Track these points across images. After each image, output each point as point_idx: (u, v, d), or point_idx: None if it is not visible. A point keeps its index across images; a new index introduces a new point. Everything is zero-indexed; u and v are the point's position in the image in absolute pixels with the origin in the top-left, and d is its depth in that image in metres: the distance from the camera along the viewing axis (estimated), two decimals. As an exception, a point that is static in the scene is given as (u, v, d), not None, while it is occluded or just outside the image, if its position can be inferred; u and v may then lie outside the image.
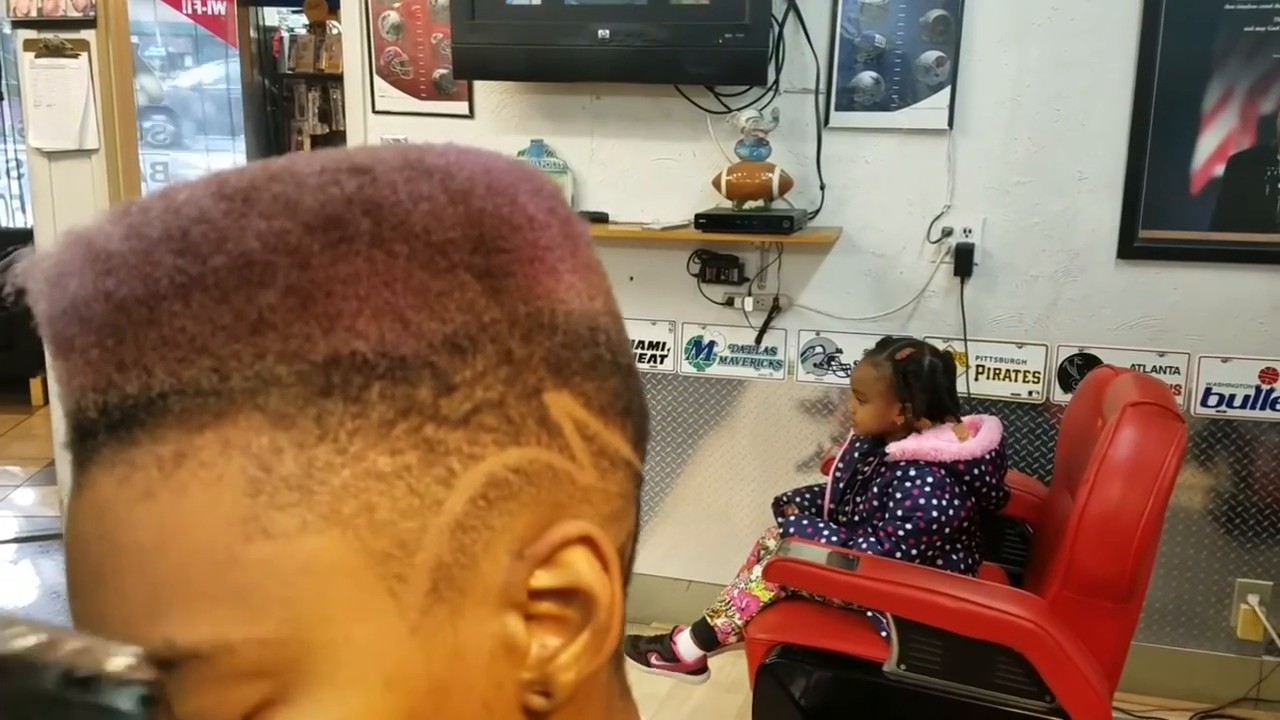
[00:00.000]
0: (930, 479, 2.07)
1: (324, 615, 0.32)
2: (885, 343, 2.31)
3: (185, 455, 0.32)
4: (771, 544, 2.30)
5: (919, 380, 2.19)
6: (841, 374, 2.81)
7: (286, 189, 0.34)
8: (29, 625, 0.27)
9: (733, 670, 2.48)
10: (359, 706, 0.33)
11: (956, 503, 2.07)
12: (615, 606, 0.37)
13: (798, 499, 2.38)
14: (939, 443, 2.10)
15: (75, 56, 3.22)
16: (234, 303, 0.32)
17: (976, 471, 2.10)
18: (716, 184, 2.67)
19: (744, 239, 2.73)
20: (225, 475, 0.32)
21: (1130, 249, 2.58)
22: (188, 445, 0.32)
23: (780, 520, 2.30)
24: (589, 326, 0.38)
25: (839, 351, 2.81)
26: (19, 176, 6.05)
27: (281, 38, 5.86)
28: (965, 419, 2.22)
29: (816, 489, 2.41)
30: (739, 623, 2.22)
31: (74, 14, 3.20)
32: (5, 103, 6.04)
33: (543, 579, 0.36)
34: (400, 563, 0.33)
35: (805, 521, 2.21)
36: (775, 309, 2.83)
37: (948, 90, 2.60)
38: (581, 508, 0.37)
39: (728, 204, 2.68)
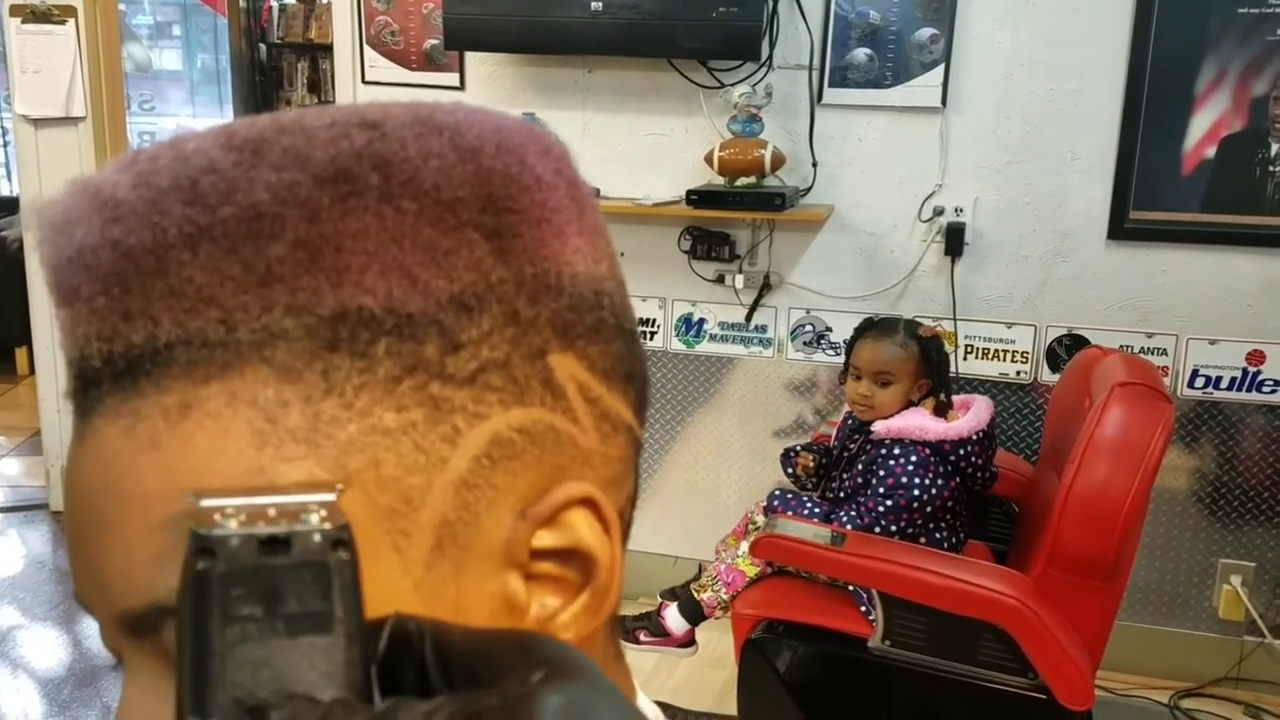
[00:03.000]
0: (914, 458, 2.08)
1: None
2: (886, 323, 2.27)
3: (191, 406, 0.32)
4: (760, 519, 2.31)
5: (941, 357, 2.20)
6: (831, 352, 2.81)
7: (296, 141, 0.33)
8: (233, 507, 0.28)
9: (718, 645, 2.49)
10: None
11: (940, 482, 2.08)
12: (615, 568, 0.37)
13: (814, 448, 2.35)
14: (924, 421, 2.11)
15: (62, 23, 3.18)
16: (242, 254, 0.32)
17: (962, 452, 2.10)
18: (708, 160, 2.66)
19: (735, 216, 2.73)
20: (231, 427, 0.32)
21: (1121, 230, 2.58)
22: (193, 396, 0.32)
23: (774, 491, 2.28)
24: (594, 290, 0.38)
25: (828, 330, 2.82)
26: (5, 144, 6.00)
27: (270, 7, 5.80)
28: (956, 399, 2.22)
29: (828, 445, 2.38)
30: (725, 597, 2.23)
31: (61, -21, 3.16)
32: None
33: (544, 539, 0.36)
34: (405, 518, 0.33)
35: (789, 495, 2.22)
36: (766, 286, 2.83)
37: (941, 68, 2.60)
38: (583, 470, 0.37)
39: (719, 180, 2.67)
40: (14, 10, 3.20)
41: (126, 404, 0.33)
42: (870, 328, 2.26)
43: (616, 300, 0.39)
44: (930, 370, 2.18)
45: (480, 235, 0.35)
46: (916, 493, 2.05)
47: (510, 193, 0.36)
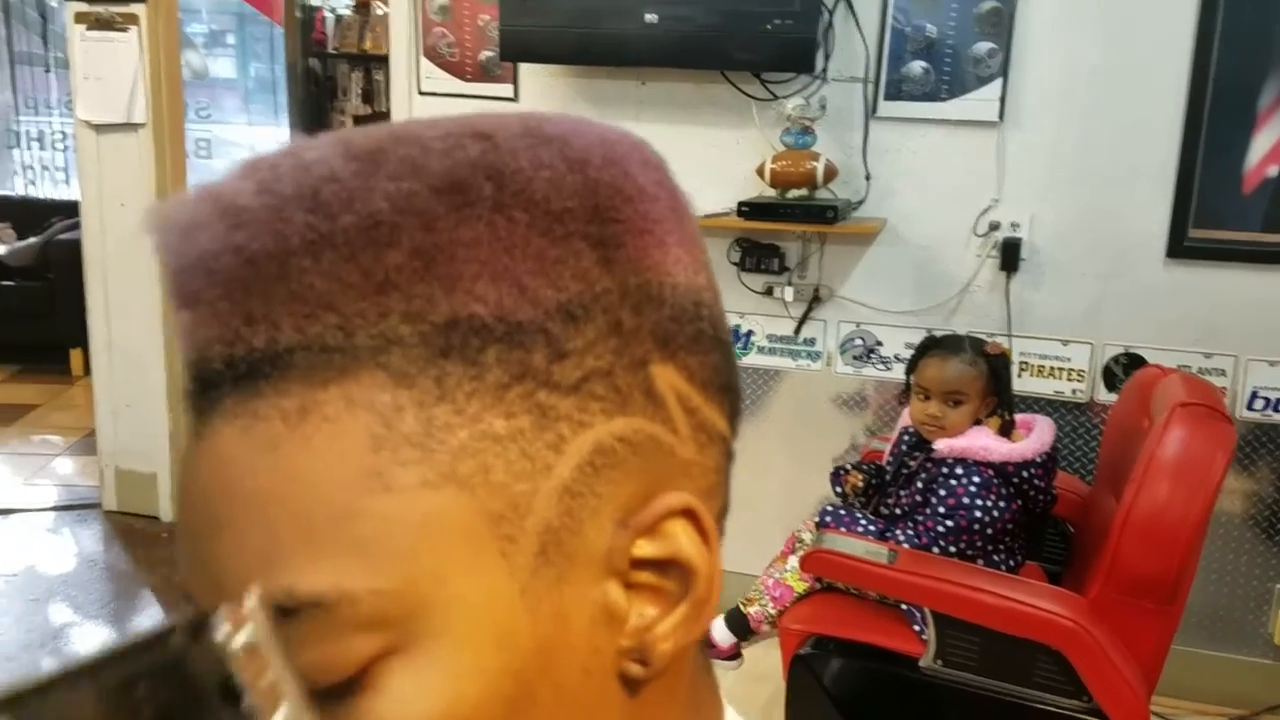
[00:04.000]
0: (977, 479, 2.04)
1: (440, 571, 0.33)
2: (950, 341, 2.22)
3: (309, 409, 0.33)
4: (808, 536, 2.29)
5: (1007, 375, 2.17)
6: (881, 367, 2.79)
7: (412, 152, 0.34)
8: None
9: (763, 661, 2.47)
10: (470, 662, 0.33)
11: (1002, 504, 2.04)
12: (714, 580, 0.37)
13: (864, 467, 2.33)
14: (989, 442, 2.07)
15: (125, 30, 3.24)
16: (361, 261, 0.33)
17: (1025, 474, 2.06)
18: (760, 172, 2.66)
19: (786, 228, 2.72)
20: (349, 430, 0.33)
21: (1180, 248, 2.54)
22: (311, 400, 0.33)
23: (826, 507, 2.26)
24: (693, 301, 0.38)
25: (879, 344, 2.80)
26: (64, 149, 6.12)
27: (324, 17, 5.88)
28: (1018, 418, 2.19)
29: (878, 464, 2.35)
30: (772, 612, 2.21)
31: (125, -12, 3.22)
32: (51, 74, 6.11)
33: (644, 548, 0.36)
34: (512, 524, 0.34)
35: (843, 511, 2.20)
36: (815, 299, 2.81)
37: (999, 82, 2.58)
38: (681, 480, 0.37)
39: (771, 192, 2.67)
40: (79, 18, 3.26)
41: (246, 405, 0.33)
42: (935, 346, 2.21)
43: (714, 311, 0.40)
44: (997, 389, 2.15)
45: (587, 245, 0.35)
46: (978, 514, 2.02)
47: (615, 203, 0.36)
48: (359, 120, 5.80)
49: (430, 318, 0.33)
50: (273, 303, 0.33)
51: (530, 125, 0.36)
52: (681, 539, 0.36)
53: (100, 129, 3.33)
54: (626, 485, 0.36)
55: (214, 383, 0.34)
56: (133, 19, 3.24)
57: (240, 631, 0.30)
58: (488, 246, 0.33)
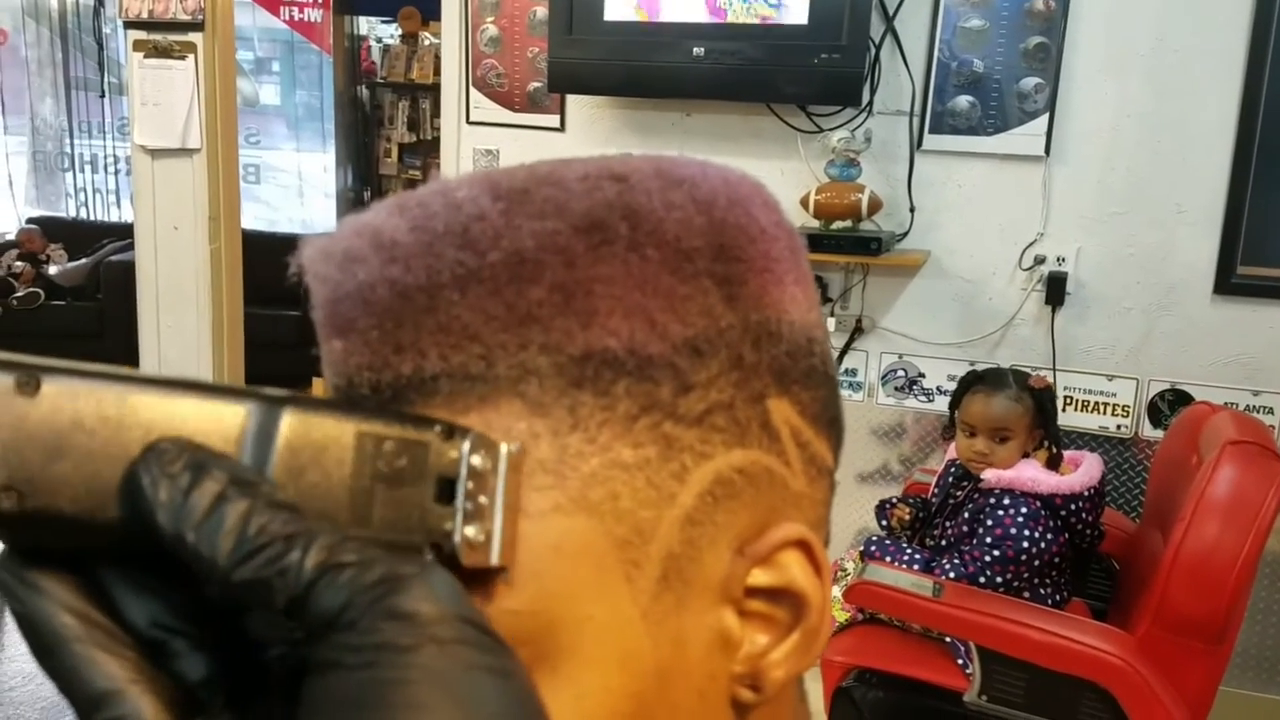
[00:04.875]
0: (1025, 509, 2.04)
1: (570, 593, 0.34)
2: (994, 375, 2.22)
3: None
4: (850, 566, 2.29)
5: (1053, 409, 2.16)
6: (924, 399, 2.79)
7: (555, 193, 0.35)
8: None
9: (803, 691, 2.46)
10: (596, 683, 0.34)
11: (1049, 536, 2.03)
12: (825, 610, 0.38)
13: (910, 500, 2.32)
14: (1037, 474, 2.06)
15: (182, 58, 3.32)
16: (506, 296, 0.34)
17: (1073, 507, 2.05)
18: (804, 203, 2.67)
19: (830, 259, 2.73)
20: None
21: (1228, 284, 2.53)
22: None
23: (872, 538, 2.26)
24: (807, 337, 0.39)
25: (921, 376, 2.79)
26: (116, 172, 6.24)
27: (370, 46, 5.98)
28: (1066, 454, 2.18)
29: (923, 498, 2.35)
30: (814, 643, 2.20)
31: (183, 17, 3.30)
32: (106, 99, 6.24)
33: (759, 577, 0.37)
34: (637, 550, 0.35)
35: (889, 542, 2.19)
36: (858, 330, 2.82)
37: (1045, 117, 2.58)
38: (792, 512, 0.39)
39: (815, 224, 2.68)
40: (137, 45, 3.34)
41: None
42: (978, 381, 2.20)
43: (824, 348, 0.41)
44: (1043, 422, 2.15)
45: (713, 283, 0.36)
46: (1025, 545, 2.01)
47: (739, 243, 0.37)
48: (405, 148, 5.87)
49: (567, 350, 0.34)
50: (421, 332, 0.35)
51: (662, 167, 0.37)
52: (794, 569, 0.37)
53: (156, 154, 3.40)
54: (743, 515, 0.37)
55: None
56: (190, 47, 3.31)
57: (480, 456, 0.32)
58: (622, 283, 0.35)
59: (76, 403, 0.29)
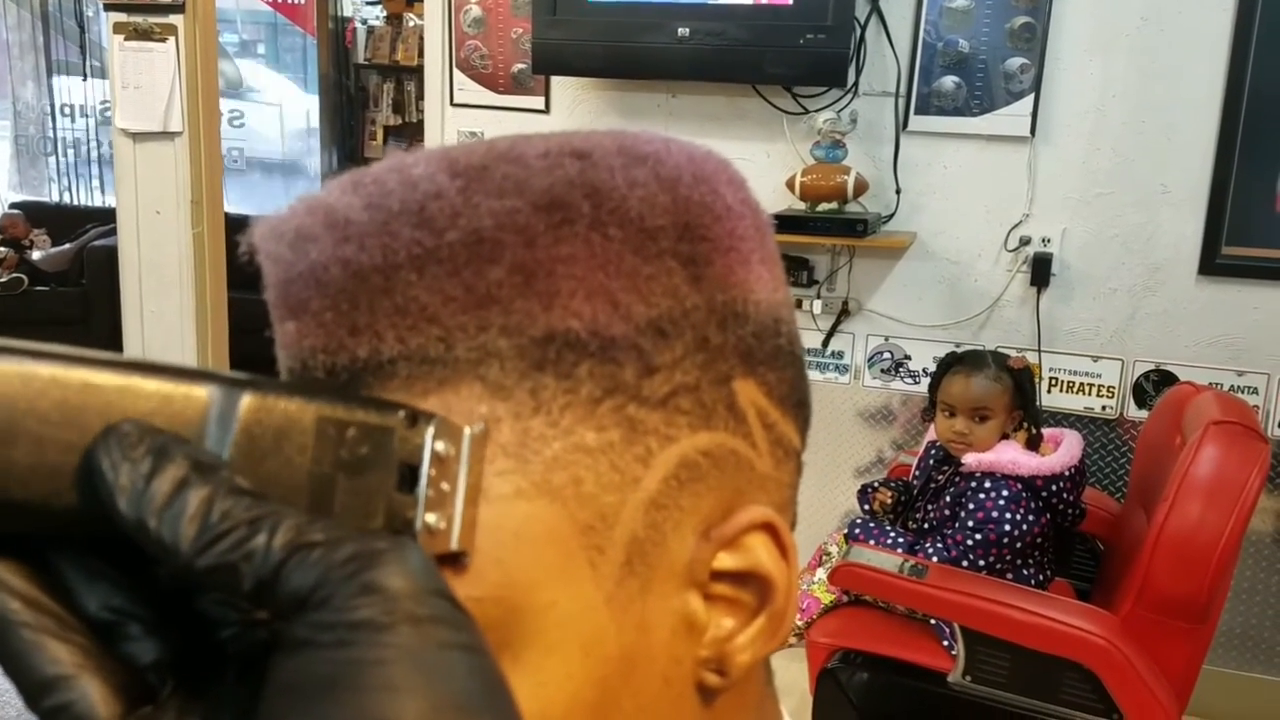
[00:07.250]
0: (1006, 492, 2.04)
1: (532, 580, 0.33)
2: (973, 356, 2.22)
3: None
4: (835, 549, 2.29)
5: (1033, 389, 2.16)
6: (910, 380, 2.79)
7: (514, 170, 0.35)
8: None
9: (784, 674, 2.47)
10: (558, 670, 0.34)
11: (1030, 518, 2.04)
12: (791, 593, 0.37)
13: (892, 484, 2.32)
14: (1017, 456, 2.07)
15: (163, 40, 3.28)
16: (464, 276, 0.34)
17: (1054, 488, 2.06)
18: (790, 185, 2.66)
19: (816, 241, 2.72)
20: None
21: (1212, 265, 2.53)
22: None
23: (856, 520, 2.26)
24: (774, 318, 0.39)
25: (907, 358, 2.80)
26: (99, 156, 6.18)
27: (354, 28, 5.93)
28: (1045, 432, 2.19)
29: (906, 481, 2.35)
30: (799, 624, 2.21)
31: (163, -1, 3.27)
32: (88, 82, 6.17)
33: (724, 561, 0.37)
34: (600, 535, 0.34)
35: (872, 525, 2.20)
36: (844, 312, 2.82)
37: (1031, 97, 2.58)
38: (758, 494, 0.38)
39: (800, 205, 2.67)
40: (118, 28, 3.31)
41: None
42: (957, 362, 2.21)
43: (791, 328, 0.40)
44: (1023, 402, 2.15)
45: (677, 263, 0.36)
46: (1007, 528, 2.02)
47: (704, 221, 0.36)
48: (390, 130, 5.84)
49: (528, 332, 0.34)
50: (377, 314, 0.34)
51: (625, 144, 0.36)
52: (760, 552, 0.37)
53: (137, 137, 3.37)
54: (708, 498, 0.36)
55: None
56: (171, 29, 3.28)
57: (443, 441, 0.31)
58: (584, 263, 0.34)
59: (30, 385, 0.28)
